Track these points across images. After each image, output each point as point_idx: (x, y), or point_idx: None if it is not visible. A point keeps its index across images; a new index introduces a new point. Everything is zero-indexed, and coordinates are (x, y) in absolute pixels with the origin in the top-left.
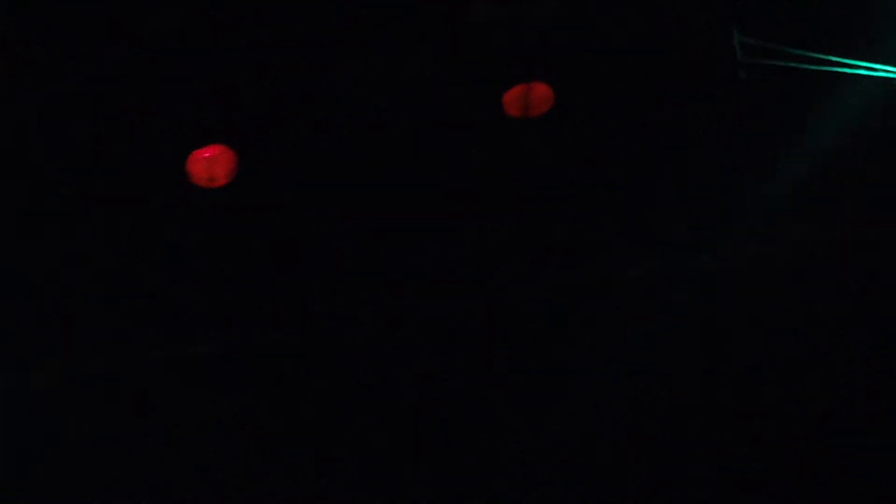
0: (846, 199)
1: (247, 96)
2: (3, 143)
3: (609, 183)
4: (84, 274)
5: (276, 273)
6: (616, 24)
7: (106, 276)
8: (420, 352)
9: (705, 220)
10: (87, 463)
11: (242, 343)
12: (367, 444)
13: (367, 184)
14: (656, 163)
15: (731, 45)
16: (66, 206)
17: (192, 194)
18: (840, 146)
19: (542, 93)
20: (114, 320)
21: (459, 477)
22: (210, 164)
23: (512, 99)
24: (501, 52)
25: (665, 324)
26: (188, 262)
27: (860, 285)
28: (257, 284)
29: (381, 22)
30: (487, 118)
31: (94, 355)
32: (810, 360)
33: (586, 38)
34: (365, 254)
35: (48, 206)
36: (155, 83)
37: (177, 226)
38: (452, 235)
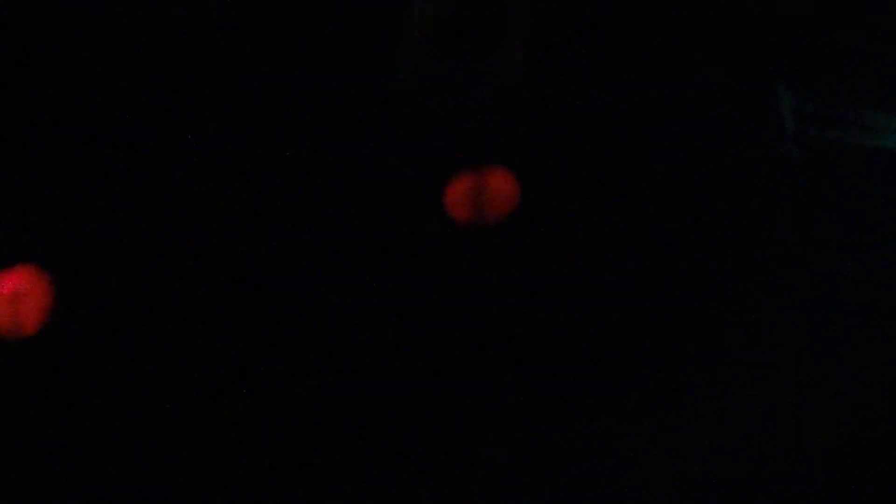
0: None
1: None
2: None
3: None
4: None
5: None
6: (613, 82)
7: None
8: None
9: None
10: None
11: None
12: None
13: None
14: (674, 291)
15: (777, 112)
16: None
17: None
18: None
19: (501, 184)
20: None
21: None
22: (14, 303)
23: (457, 196)
24: (442, 128)
25: None
26: None
27: None
28: None
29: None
30: (426, 223)
31: None
32: None
33: (567, 106)
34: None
35: None
36: None
37: None
38: None
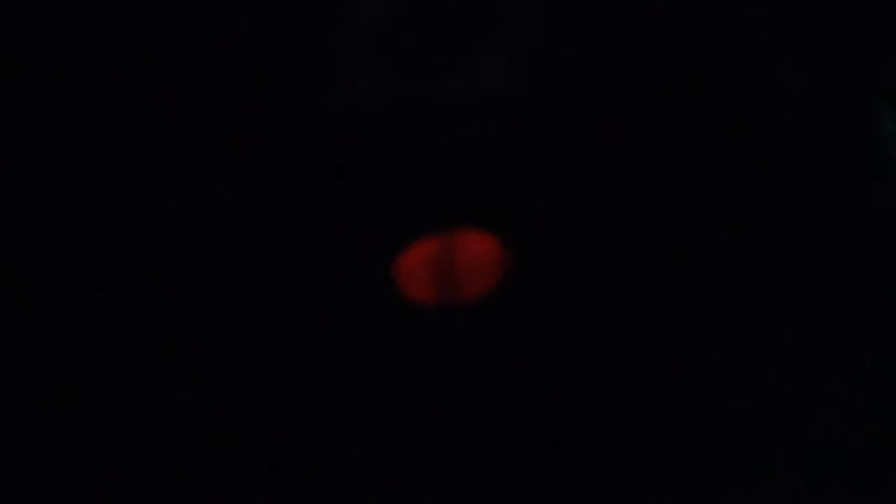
0: None
1: None
2: None
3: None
4: None
5: None
6: (663, 102)
7: None
8: None
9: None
10: None
11: None
12: None
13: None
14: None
15: (880, 143)
16: None
17: None
18: None
19: (479, 251)
20: None
21: None
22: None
23: (417, 270)
24: (394, 168)
25: None
26: None
27: None
28: None
29: None
30: (377, 305)
31: None
32: None
33: (593, 129)
34: None
35: None
36: None
37: None
38: None
